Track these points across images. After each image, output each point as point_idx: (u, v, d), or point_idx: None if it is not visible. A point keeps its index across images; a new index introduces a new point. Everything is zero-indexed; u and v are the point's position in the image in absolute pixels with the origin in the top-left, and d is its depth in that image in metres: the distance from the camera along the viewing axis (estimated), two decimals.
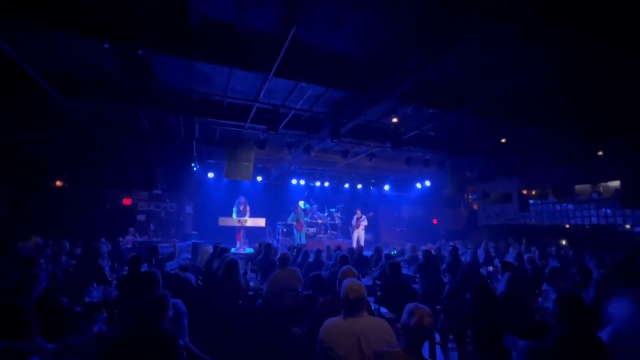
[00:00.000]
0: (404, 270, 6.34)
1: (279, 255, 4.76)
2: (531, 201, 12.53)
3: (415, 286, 5.11)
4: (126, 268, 3.94)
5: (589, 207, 10.70)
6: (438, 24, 3.82)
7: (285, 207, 13.02)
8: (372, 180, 13.80)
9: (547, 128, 7.02)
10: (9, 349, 1.94)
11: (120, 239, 8.74)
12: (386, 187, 14.28)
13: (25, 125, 7.51)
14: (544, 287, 4.11)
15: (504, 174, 11.94)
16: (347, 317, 2.07)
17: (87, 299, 3.59)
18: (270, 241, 10.15)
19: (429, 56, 4.07)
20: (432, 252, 6.77)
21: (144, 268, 4.24)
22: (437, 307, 4.04)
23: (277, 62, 4.34)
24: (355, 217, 11.95)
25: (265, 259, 5.59)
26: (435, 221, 15.74)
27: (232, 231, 10.28)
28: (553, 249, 8.87)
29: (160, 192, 10.96)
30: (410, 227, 15.34)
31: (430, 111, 6.39)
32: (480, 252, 7.98)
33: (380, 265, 6.02)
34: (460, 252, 7.40)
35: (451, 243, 9.64)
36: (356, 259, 6.40)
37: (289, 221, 11.38)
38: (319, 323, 2.16)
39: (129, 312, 2.53)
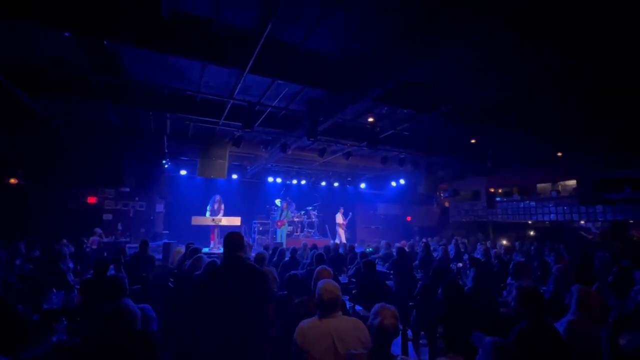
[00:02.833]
0: (379, 267, 6.46)
1: (254, 254, 4.69)
2: (498, 199, 13.21)
3: (390, 283, 5.22)
4: (91, 271, 3.72)
5: (549, 205, 11.42)
6: (412, 31, 3.93)
7: (261, 206, 12.86)
8: (349, 179, 13.96)
9: (513, 130, 7.42)
10: None
11: (85, 239, 8.25)
12: (362, 185, 14.50)
13: None
14: (509, 281, 4.34)
15: (474, 173, 12.52)
16: (322, 318, 2.07)
17: (45, 306, 3.35)
18: (245, 240, 9.99)
19: (404, 60, 4.17)
20: (406, 249, 6.95)
21: (111, 271, 4.03)
22: (410, 303, 4.15)
23: (252, 59, 4.25)
24: (341, 215, 12.11)
25: None
26: (409, 218, 16.19)
27: (205, 230, 10.01)
28: (517, 244, 9.40)
29: (128, 189, 10.42)
30: (385, 225, 15.68)
31: (405, 112, 6.55)
32: (451, 248, 8.29)
33: (355, 263, 6.10)
34: (432, 249, 7.66)
35: (424, 240, 9.97)
36: (332, 257, 6.43)
37: (275, 218, 11.43)
38: (295, 324, 2.14)
39: (93, 320, 2.39)
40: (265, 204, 12.71)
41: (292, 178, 13.17)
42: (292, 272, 3.66)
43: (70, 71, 5.22)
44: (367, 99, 5.23)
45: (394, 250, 7.67)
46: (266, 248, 7.22)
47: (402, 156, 9.56)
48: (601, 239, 10.75)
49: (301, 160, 10.83)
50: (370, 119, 7.42)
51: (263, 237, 11.85)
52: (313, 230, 12.74)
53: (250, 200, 13.02)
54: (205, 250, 8.27)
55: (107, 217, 10.57)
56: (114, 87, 5.77)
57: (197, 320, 2.54)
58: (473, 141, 9.11)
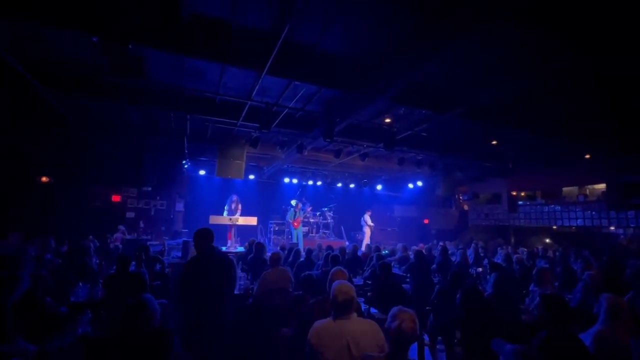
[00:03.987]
0: (395, 270, 6.38)
1: (269, 254, 4.73)
2: (520, 202, 12.76)
3: (406, 286, 5.15)
4: (114, 267, 3.87)
5: (575, 209, 10.93)
6: (428, 26, 3.85)
7: (277, 206, 12.96)
8: (365, 180, 13.86)
9: (536, 131, 7.15)
10: None
11: (109, 236, 8.59)
12: (379, 187, 14.36)
13: (8, 119, 7.31)
14: (532, 287, 4.18)
15: (494, 175, 12.13)
16: (336, 319, 2.06)
17: (72, 299, 3.51)
18: (261, 240, 10.11)
19: (419, 58, 4.11)
20: (424, 252, 6.84)
21: (133, 267, 4.17)
22: (427, 307, 4.07)
23: (270, 60, 4.30)
24: (369, 217, 12.08)
25: (256, 258, 5.55)
26: (426, 221, 15.89)
27: (223, 229, 10.17)
28: (540, 249, 9.04)
29: (150, 189, 10.77)
30: (401, 227, 15.45)
31: (423, 112, 6.44)
32: (470, 253, 8.07)
33: (371, 265, 6.04)
34: (450, 252, 7.49)
35: (441, 243, 9.76)
36: (348, 259, 6.40)
37: (288, 218, 11.40)
38: (309, 324, 2.15)
39: (115, 313, 2.48)
40: (281, 205, 12.80)
41: (308, 179, 13.21)
42: (307, 272, 3.67)
43: (96, 74, 5.45)
44: (383, 99, 5.18)
45: (410, 253, 7.56)
46: (282, 248, 7.28)
47: (420, 158, 9.41)
48: (629, 245, 10.17)
49: (317, 161, 10.85)
50: (387, 120, 7.34)
51: (279, 237, 11.94)
52: (328, 232, 12.73)
53: (266, 200, 13.16)
54: (223, 249, 8.41)
55: (130, 215, 10.95)
56: (137, 90, 5.98)
57: (182, 296, 3.04)
58: (494, 142, 8.85)
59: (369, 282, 5.43)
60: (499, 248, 9.38)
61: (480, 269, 6.28)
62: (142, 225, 11.00)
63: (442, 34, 3.65)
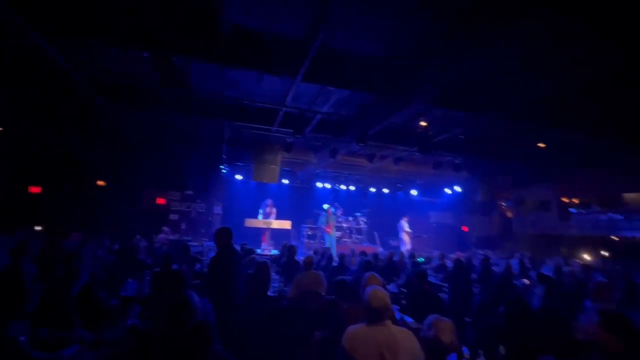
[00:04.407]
0: (431, 279, 6.14)
1: (302, 257, 4.78)
2: (572, 210, 11.69)
3: (443, 296, 4.93)
4: (159, 265, 4.14)
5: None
6: (465, 23, 3.70)
7: (310, 210, 13.07)
8: (399, 185, 13.54)
9: (590, 130, 6.53)
10: (50, 336, 2.10)
11: (154, 236, 9.20)
12: (413, 192, 13.95)
13: (69, 128, 8.15)
14: (587, 303, 3.81)
15: (541, 180, 11.25)
16: (370, 325, 2.03)
17: (122, 293, 3.80)
18: (295, 244, 10.24)
19: (457, 57, 3.96)
20: (462, 261, 6.51)
21: (176, 266, 4.42)
22: (467, 319, 3.86)
23: (303, 67, 4.39)
24: (406, 223, 11.80)
25: (290, 261, 5.64)
26: (465, 229, 15.11)
27: (258, 232, 10.46)
28: (597, 262, 8.20)
29: (191, 192, 11.41)
30: (437, 234, 14.84)
31: (461, 114, 6.18)
32: (514, 263, 7.54)
33: (406, 273, 5.88)
34: (492, 262, 7.06)
35: (482, 252, 9.22)
36: (384, 266, 6.29)
37: (319, 224, 11.44)
38: (342, 329, 2.13)
39: (160, 308, 2.65)
40: (314, 209, 12.90)
41: (341, 183, 13.19)
42: (341, 277, 3.65)
43: (145, 86, 5.91)
44: (418, 101, 5.05)
45: (447, 261, 7.24)
46: (315, 252, 7.33)
47: (457, 161, 9.02)
48: None
49: (350, 165, 10.81)
50: (423, 123, 7.14)
51: (312, 241, 12.02)
52: (361, 237, 12.58)
53: (299, 204, 13.32)
54: (258, 251, 8.64)
55: (173, 217, 11.65)
56: (180, 100, 6.39)
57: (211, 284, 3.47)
58: (542, 145, 8.23)
59: (404, 290, 5.28)
60: (547, 259, 8.66)
61: (526, 281, 5.84)
62: (183, 226, 11.64)
63: (483, 29, 3.48)
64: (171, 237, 9.76)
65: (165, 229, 9.85)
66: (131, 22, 3.92)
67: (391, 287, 5.55)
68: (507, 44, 4.07)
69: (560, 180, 10.96)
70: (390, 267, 6.45)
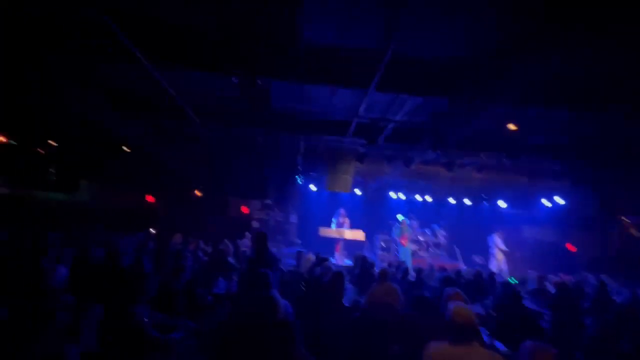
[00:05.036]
0: (526, 303, 5.37)
1: (377, 269, 4.70)
2: None
3: (543, 324, 4.27)
4: (245, 267, 4.57)
5: None
6: (556, 20, 3.24)
7: (383, 221, 12.76)
8: (483, 195, 12.27)
9: None
10: (163, 321, 2.50)
11: (239, 241, 10.14)
12: (501, 204, 12.45)
13: (174, 144, 9.65)
14: None
15: None
16: (454, 344, 1.88)
17: (215, 290, 4.29)
18: (368, 255, 10.10)
19: (551, 48, 3.47)
20: (569, 285, 5.55)
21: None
22: (575, 353, 3.27)
23: (376, 77, 4.41)
24: (500, 239, 10.77)
25: (363, 272, 5.60)
26: (572, 248, 12.76)
27: (331, 242, 10.64)
28: None
29: (270, 202, 12.30)
30: (534, 253, 12.85)
31: (561, 113, 5.38)
32: None
33: (496, 294, 5.28)
34: (610, 290, 5.84)
35: (596, 277, 7.67)
36: (468, 284, 5.76)
37: (393, 235, 11.12)
38: (419, 344, 2.04)
39: (247, 305, 2.92)
40: (388, 220, 12.55)
41: (416, 193, 12.61)
42: (419, 292, 3.49)
43: (231, 105, 6.64)
44: (504, 102, 4.58)
45: (548, 285, 6.25)
46: (390, 265, 7.12)
47: (556, 168, 7.79)
48: None
49: (426, 174, 10.28)
50: (511, 126, 6.41)
51: (386, 253, 11.69)
52: (440, 251, 11.73)
53: (372, 215, 13.13)
54: (332, 260, 8.78)
55: (255, 224, 12.68)
56: (261, 116, 7.01)
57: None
58: None
59: (493, 314, 4.73)
60: None
61: None
62: None
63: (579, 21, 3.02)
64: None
65: (248, 235, 10.77)
66: (221, 51, 4.52)
67: (476, 307, 5.03)
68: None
69: None
70: (475, 286, 5.86)
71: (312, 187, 12.25)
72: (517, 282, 7.94)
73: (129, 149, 9.43)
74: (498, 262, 10.33)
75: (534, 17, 3.49)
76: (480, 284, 5.98)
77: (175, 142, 9.41)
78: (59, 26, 4.19)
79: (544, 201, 11.67)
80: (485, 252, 11.39)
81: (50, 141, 9.78)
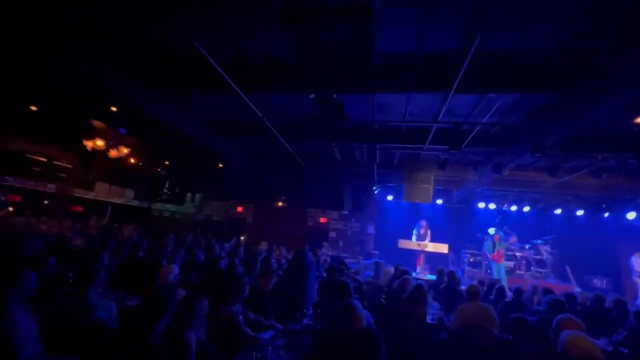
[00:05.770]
0: None
1: (464, 286, 4.28)
2: None
3: None
4: (324, 275, 4.69)
5: None
6: None
7: (469, 234, 11.62)
8: (604, 205, 10.15)
9: None
10: (256, 321, 2.73)
11: (318, 250, 10.46)
12: (630, 216, 10.08)
13: (263, 159, 10.57)
14: None
15: None
16: None
17: None
18: (454, 270, 9.31)
19: None
20: None
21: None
22: None
23: (458, 79, 4.14)
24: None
25: (450, 288, 5.16)
26: None
27: (411, 254, 10.14)
28: None
29: (347, 212, 12.42)
30: None
31: None
32: None
33: (627, 326, 4.26)
34: None
35: None
36: (586, 312, 4.81)
37: (484, 250, 10.04)
38: None
39: (329, 312, 2.99)
40: (476, 233, 11.38)
41: (509, 203, 11.17)
42: (520, 315, 3.05)
43: (309, 120, 7.00)
44: (623, 94, 3.77)
45: None
46: (481, 283, 6.38)
47: None
48: None
49: (522, 181, 9.04)
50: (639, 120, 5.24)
51: (474, 269, 10.57)
52: (545, 271, 10.07)
53: (457, 227, 12.09)
54: (413, 274, 8.35)
55: (332, 234, 12.94)
56: (337, 129, 7.20)
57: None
58: None
59: (624, 351, 3.81)
60: None
61: None
62: (341, 244, 12.70)
63: None
64: (330, 252, 10.82)
65: (325, 244, 11.04)
66: (300, 74, 4.84)
67: (600, 342, 4.13)
68: None
69: None
70: (595, 314, 4.83)
71: (389, 198, 11.94)
72: None
73: (225, 165, 10.80)
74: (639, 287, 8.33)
75: None
76: (603, 312, 4.90)
77: (263, 159, 10.35)
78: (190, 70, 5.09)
79: None
80: (609, 273, 9.32)
81: (166, 162, 12.05)
